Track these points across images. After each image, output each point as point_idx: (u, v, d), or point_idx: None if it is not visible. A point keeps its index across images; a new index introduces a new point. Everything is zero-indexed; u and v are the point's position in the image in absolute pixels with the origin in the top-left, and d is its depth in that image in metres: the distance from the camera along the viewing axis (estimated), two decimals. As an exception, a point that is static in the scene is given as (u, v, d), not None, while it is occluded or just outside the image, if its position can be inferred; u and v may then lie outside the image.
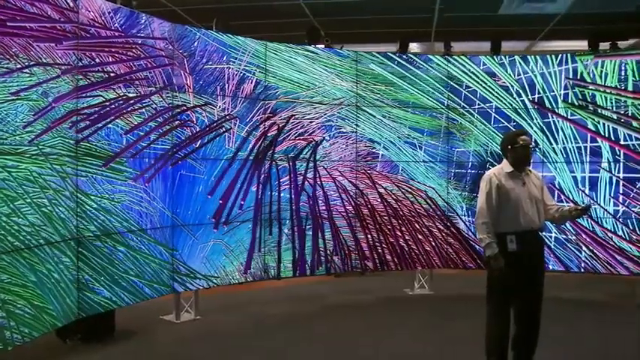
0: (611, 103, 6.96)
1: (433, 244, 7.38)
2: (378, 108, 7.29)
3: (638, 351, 5.10)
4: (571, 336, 5.51)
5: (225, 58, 6.36)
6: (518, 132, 4.55)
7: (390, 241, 7.30)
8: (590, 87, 6.99)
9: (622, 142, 6.94)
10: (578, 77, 7.04)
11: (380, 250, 7.27)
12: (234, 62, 6.43)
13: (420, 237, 7.37)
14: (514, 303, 4.22)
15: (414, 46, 8.83)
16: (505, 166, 4.29)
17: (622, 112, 6.89)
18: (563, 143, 7.20)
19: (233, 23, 6.64)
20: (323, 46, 7.33)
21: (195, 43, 6.11)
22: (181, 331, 5.75)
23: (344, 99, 7.11)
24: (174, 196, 5.92)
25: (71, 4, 4.70)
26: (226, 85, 6.39)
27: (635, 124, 6.82)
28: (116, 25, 5.20)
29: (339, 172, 7.16)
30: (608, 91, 6.93)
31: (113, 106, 5.16)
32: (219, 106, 6.32)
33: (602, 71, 7.00)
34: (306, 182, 6.98)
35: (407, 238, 7.35)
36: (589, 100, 7.01)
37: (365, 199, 7.26)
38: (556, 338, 5.01)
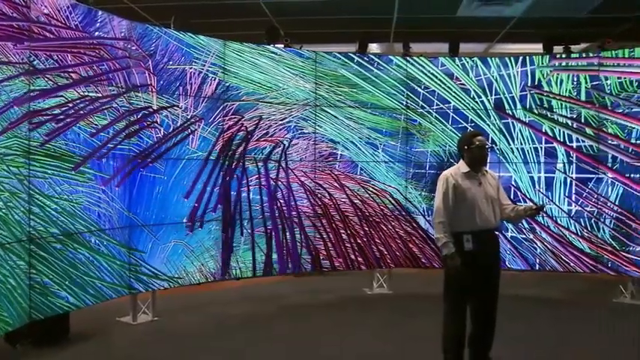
0: (566, 110, 7.16)
1: (393, 243, 7.44)
2: (338, 109, 7.33)
3: (595, 347, 5.25)
4: (528, 333, 5.61)
5: (187, 59, 6.32)
6: (474, 132, 4.61)
7: (351, 240, 7.34)
8: (548, 95, 7.19)
9: (574, 145, 7.14)
10: (536, 81, 7.21)
11: (342, 250, 7.30)
12: (196, 62, 6.40)
13: (379, 236, 7.42)
14: (470, 301, 4.28)
15: (373, 47, 8.89)
16: (462, 166, 4.35)
17: (575, 118, 7.09)
18: (521, 144, 7.35)
19: (193, 21, 6.59)
20: (282, 45, 7.33)
21: (157, 43, 6.04)
22: (138, 333, 5.67)
23: (308, 100, 7.13)
24: (134, 196, 5.83)
25: (25, 0, 4.59)
26: (189, 86, 6.34)
27: (588, 130, 7.02)
28: (75, 22, 5.09)
29: (302, 172, 7.19)
30: (563, 99, 7.14)
31: (73, 107, 5.06)
32: (182, 107, 6.27)
33: (558, 77, 7.20)
34: (271, 183, 6.99)
35: (367, 237, 7.39)
36: (546, 106, 7.20)
37: (326, 199, 7.29)
38: (513, 335, 5.10)
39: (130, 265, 5.78)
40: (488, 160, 4.59)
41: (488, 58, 7.50)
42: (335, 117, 7.33)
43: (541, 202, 5.60)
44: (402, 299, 7.09)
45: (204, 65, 6.48)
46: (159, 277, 6.06)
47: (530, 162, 7.33)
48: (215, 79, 6.58)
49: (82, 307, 5.19)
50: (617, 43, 7.53)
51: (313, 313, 6.53)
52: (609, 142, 6.97)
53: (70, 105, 5.03)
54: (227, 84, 6.67)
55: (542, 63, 7.28)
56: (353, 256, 7.35)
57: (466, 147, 4.33)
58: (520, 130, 7.36)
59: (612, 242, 6.99)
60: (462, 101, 7.48)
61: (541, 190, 7.27)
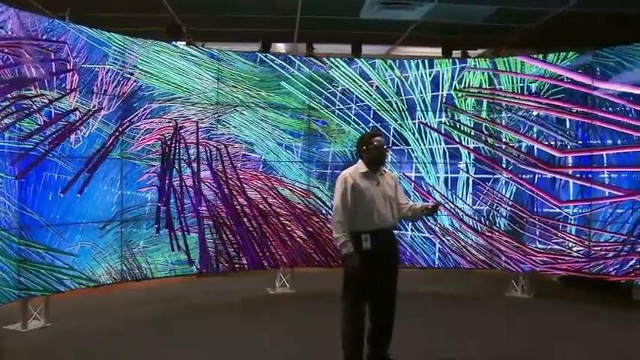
0: (470, 121, 7.53)
1: (297, 242, 7.44)
2: (250, 109, 7.32)
3: (488, 339, 5.47)
4: (426, 329, 5.76)
5: (97, 55, 6.16)
6: (372, 133, 4.67)
7: (256, 240, 7.29)
8: (457, 109, 7.53)
9: (472, 147, 7.49)
10: (444, 85, 7.54)
11: (246, 250, 7.25)
12: (108, 60, 6.26)
13: (285, 236, 7.42)
14: (369, 300, 4.34)
15: (280, 47, 8.86)
16: (360, 166, 4.40)
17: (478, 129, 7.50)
18: (430, 144, 7.56)
19: (90, 15, 6.31)
20: (184, 43, 7.20)
21: (63, 38, 5.82)
22: (29, 341, 5.35)
23: (220, 100, 7.06)
24: (36, 195, 5.61)
25: None
26: (99, 84, 6.18)
27: (489, 140, 7.42)
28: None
29: (213, 172, 7.14)
30: (469, 114, 7.52)
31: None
32: (93, 105, 6.09)
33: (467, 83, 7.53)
34: (185, 183, 6.94)
35: (273, 236, 7.38)
36: (457, 118, 7.55)
37: (235, 199, 7.22)
38: (411, 332, 5.20)
39: (27, 266, 5.50)
40: (386, 161, 4.64)
41: (405, 61, 7.71)
42: (248, 118, 7.32)
43: (436, 201, 5.77)
44: (303, 298, 7.12)
45: (117, 63, 6.36)
46: (63, 278, 5.83)
47: (438, 162, 7.58)
48: (128, 78, 6.48)
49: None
50: (509, 50, 7.92)
51: (216, 314, 6.43)
52: (504, 148, 7.42)
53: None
54: (141, 83, 6.57)
55: (446, 66, 7.57)
56: (257, 256, 7.31)
57: (364, 147, 4.39)
58: (429, 131, 7.59)
59: (507, 239, 7.35)
60: (371, 101, 7.61)
61: (438, 192, 7.53)
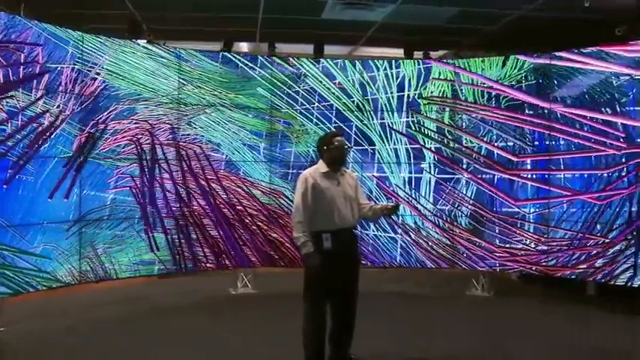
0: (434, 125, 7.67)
1: (260, 242, 7.42)
2: (216, 109, 7.29)
3: (448, 337, 5.56)
4: (388, 328, 5.81)
5: (62, 54, 6.07)
6: (333, 133, 4.70)
7: (219, 240, 7.25)
8: (423, 115, 7.65)
9: (434, 148, 7.61)
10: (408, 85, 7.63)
11: (213, 249, 7.23)
12: (73, 59, 6.18)
13: (248, 236, 7.39)
14: (330, 299, 4.36)
15: (243, 46, 8.82)
16: (321, 166, 4.41)
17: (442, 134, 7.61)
18: (395, 144, 7.62)
19: (46, 11, 6.18)
20: (145, 41, 7.12)
21: (24, 35, 5.72)
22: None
23: (194, 103, 7.10)
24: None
25: None
26: (64, 83, 6.08)
27: (451, 143, 7.54)
28: None
29: (183, 173, 7.11)
30: (432, 119, 7.64)
31: None
32: (57, 105, 5.99)
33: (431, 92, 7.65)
34: (151, 183, 6.91)
35: (238, 236, 7.35)
36: (422, 123, 7.65)
37: (200, 199, 7.19)
38: (373, 331, 5.23)
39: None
40: (347, 161, 4.66)
41: (370, 61, 7.75)
42: (214, 118, 7.29)
43: (396, 201, 5.82)
44: (265, 298, 7.11)
45: (82, 63, 6.30)
46: (20, 280, 5.69)
47: (402, 162, 7.66)
48: (94, 78, 6.42)
49: None
50: (471, 52, 8.04)
51: (179, 314, 6.38)
52: (463, 150, 7.55)
53: None
54: (107, 83, 6.53)
55: (411, 66, 7.67)
56: (220, 256, 7.27)
57: (325, 147, 4.40)
58: (394, 133, 7.66)
59: (468, 238, 7.47)
60: (337, 101, 7.65)
61: (403, 192, 7.60)
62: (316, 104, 7.64)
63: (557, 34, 7.37)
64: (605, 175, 6.59)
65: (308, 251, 4.20)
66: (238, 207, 7.39)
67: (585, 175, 6.77)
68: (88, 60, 6.38)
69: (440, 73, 7.63)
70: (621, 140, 6.47)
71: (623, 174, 6.45)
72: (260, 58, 7.58)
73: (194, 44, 7.81)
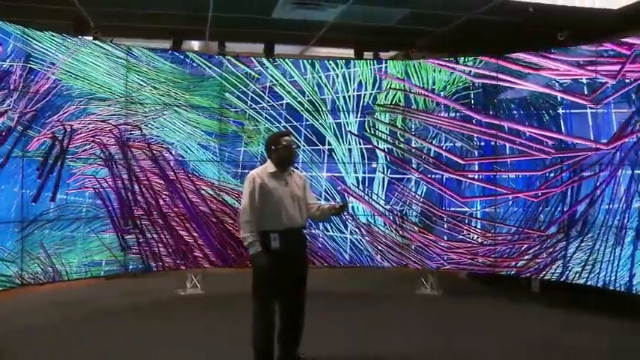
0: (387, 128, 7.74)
1: (210, 242, 7.35)
2: (170, 109, 7.24)
3: (398, 335, 5.62)
4: (338, 327, 5.82)
5: (15, 53, 5.96)
6: (281, 133, 4.70)
7: (167, 240, 7.16)
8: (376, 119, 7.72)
9: (386, 149, 7.70)
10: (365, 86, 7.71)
11: (164, 250, 7.15)
12: (27, 58, 6.09)
13: (201, 236, 7.31)
14: (278, 299, 4.35)
15: (194, 45, 8.70)
16: (269, 166, 4.39)
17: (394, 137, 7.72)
18: (349, 144, 7.66)
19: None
20: (91, 38, 6.97)
21: None
22: None
23: (145, 102, 6.97)
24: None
25: None
26: (15, 82, 5.95)
27: (402, 145, 7.66)
28: None
29: (136, 173, 7.04)
30: (386, 123, 7.72)
31: None
32: (7, 104, 5.86)
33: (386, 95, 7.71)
34: (108, 183, 6.84)
35: (189, 237, 7.28)
36: (376, 127, 7.74)
37: (150, 199, 7.09)
38: (323, 330, 5.23)
39: None
40: (295, 160, 4.65)
41: (326, 61, 7.77)
42: (169, 118, 7.24)
43: (344, 201, 5.85)
44: (215, 299, 7.05)
45: (36, 61, 6.19)
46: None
47: (357, 162, 7.70)
48: (47, 76, 6.29)
49: None
50: (420, 54, 8.13)
51: (124, 317, 6.23)
52: (412, 152, 7.67)
53: None
54: (60, 82, 6.41)
55: (367, 66, 7.73)
56: (169, 257, 7.19)
57: (273, 147, 4.38)
58: (349, 133, 7.71)
59: (419, 238, 7.57)
60: (291, 101, 7.66)
61: (359, 191, 7.65)
62: (270, 103, 7.61)
63: (504, 37, 7.54)
64: (543, 175, 6.85)
65: (255, 251, 4.19)
66: (200, 206, 7.33)
67: (527, 176, 7.00)
68: (43, 58, 6.26)
69: (392, 82, 7.70)
70: (550, 145, 6.78)
71: (558, 174, 6.74)
72: (218, 57, 7.56)
73: (142, 42, 7.67)
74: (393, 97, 7.71)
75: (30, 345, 5.20)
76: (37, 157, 6.28)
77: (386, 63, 7.80)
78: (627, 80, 6.11)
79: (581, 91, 6.54)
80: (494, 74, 7.17)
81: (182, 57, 7.36)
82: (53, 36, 6.43)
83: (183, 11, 6.93)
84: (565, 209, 6.66)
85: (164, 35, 7.50)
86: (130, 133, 7.01)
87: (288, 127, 7.54)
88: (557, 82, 6.74)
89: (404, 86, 7.67)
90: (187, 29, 7.61)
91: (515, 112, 7.10)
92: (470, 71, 7.35)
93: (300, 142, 7.53)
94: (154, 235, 7.11)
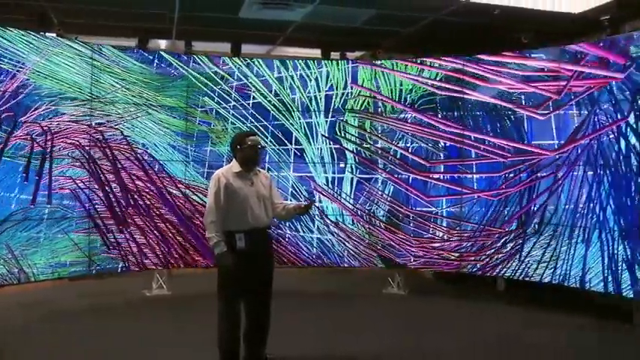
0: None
1: (178, 242, 7.30)
2: (141, 109, 7.18)
3: (366, 333, 5.66)
4: (305, 327, 5.83)
5: None
6: (247, 132, 4.70)
7: (135, 240, 7.09)
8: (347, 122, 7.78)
9: (355, 150, 7.77)
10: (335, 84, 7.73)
11: (130, 250, 7.08)
12: None
13: (167, 235, 7.26)
14: (244, 299, 4.35)
15: (161, 44, 8.62)
16: (234, 165, 4.39)
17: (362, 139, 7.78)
18: (319, 144, 7.68)
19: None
20: (55, 34, 6.85)
21: None
22: None
23: (116, 101, 6.81)
24: None
25: None
26: None
27: (371, 147, 7.75)
28: None
29: (102, 172, 6.95)
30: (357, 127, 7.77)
31: None
32: None
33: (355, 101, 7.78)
34: (77, 184, 6.76)
35: (152, 237, 7.20)
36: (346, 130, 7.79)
37: (123, 199, 7.03)
38: (289, 330, 5.25)
39: None
40: (260, 160, 4.65)
41: (296, 61, 7.75)
42: (139, 118, 7.18)
43: (310, 200, 5.87)
44: (180, 299, 7.00)
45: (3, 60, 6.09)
46: None
47: (327, 162, 7.73)
48: (15, 76, 6.19)
49: None
50: (387, 54, 8.19)
51: (87, 319, 6.13)
52: (379, 153, 7.75)
53: None
54: (28, 81, 6.31)
55: (337, 66, 7.75)
56: (137, 257, 7.11)
57: (238, 147, 4.38)
58: (319, 133, 7.73)
59: (386, 238, 7.63)
60: (260, 100, 7.63)
61: (329, 191, 7.68)
62: (240, 102, 7.57)
63: (470, 39, 7.63)
64: (503, 176, 7.04)
65: (221, 251, 4.18)
66: (158, 205, 7.25)
67: (490, 177, 7.16)
68: (10, 57, 6.18)
69: (363, 83, 7.74)
70: (507, 150, 7.00)
71: (516, 174, 6.95)
72: (187, 57, 7.50)
73: (107, 40, 7.57)
74: (362, 102, 7.75)
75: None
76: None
77: (355, 63, 7.82)
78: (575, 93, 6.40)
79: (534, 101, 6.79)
80: (459, 76, 7.25)
81: (158, 59, 7.29)
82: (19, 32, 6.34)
83: (149, 9, 6.86)
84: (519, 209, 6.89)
85: (130, 34, 7.42)
86: (101, 133, 6.92)
87: (257, 127, 7.52)
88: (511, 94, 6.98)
89: (371, 94, 7.72)
90: (154, 27, 7.53)
91: (479, 116, 7.25)
92: (433, 84, 7.45)
93: (267, 141, 7.51)
94: (121, 236, 7.02)
